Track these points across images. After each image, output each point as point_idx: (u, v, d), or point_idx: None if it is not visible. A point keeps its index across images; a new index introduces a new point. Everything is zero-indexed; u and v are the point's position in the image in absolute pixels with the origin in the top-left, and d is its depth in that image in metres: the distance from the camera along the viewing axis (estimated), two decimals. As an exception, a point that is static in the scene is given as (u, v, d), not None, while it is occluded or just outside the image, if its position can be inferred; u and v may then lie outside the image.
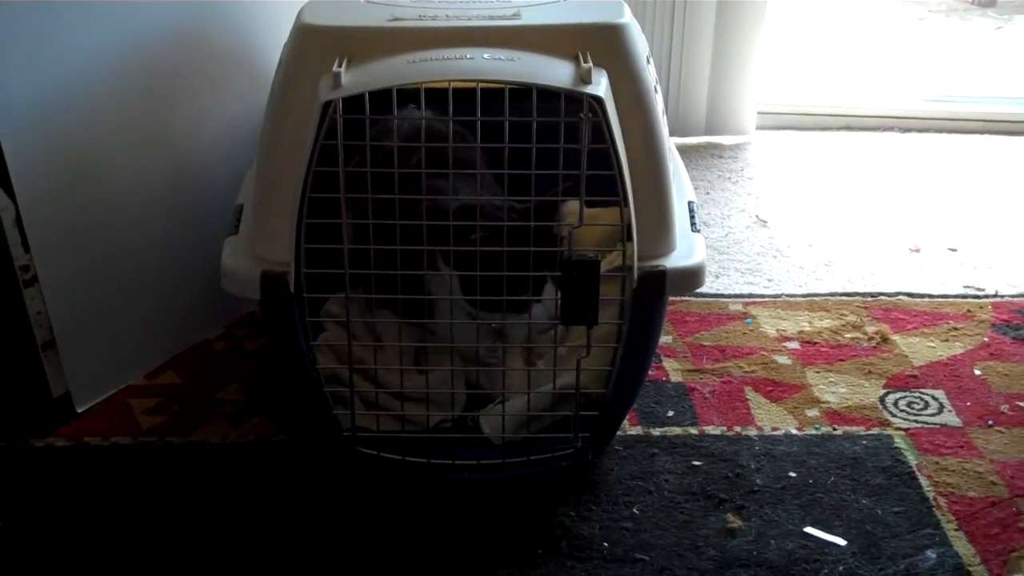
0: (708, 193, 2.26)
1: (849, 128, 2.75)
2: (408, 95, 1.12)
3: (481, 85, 1.10)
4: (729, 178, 2.36)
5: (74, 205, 1.42)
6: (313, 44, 1.20)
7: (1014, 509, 1.28)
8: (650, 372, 1.49)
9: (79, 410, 1.45)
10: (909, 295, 1.81)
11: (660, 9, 2.48)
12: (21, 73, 1.34)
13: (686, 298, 1.76)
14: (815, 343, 1.65)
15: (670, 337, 1.65)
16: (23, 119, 1.34)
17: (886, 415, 1.46)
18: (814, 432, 1.42)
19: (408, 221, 1.15)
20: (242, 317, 1.69)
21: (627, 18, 1.24)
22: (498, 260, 1.16)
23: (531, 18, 1.24)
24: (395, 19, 1.22)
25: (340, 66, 1.12)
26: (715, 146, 2.57)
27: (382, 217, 1.14)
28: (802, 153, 2.56)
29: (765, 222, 2.13)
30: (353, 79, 1.11)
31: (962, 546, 1.21)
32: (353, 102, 1.09)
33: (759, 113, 2.65)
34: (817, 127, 2.74)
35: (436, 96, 1.12)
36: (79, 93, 1.42)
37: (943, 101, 2.91)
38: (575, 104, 1.10)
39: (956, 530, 1.24)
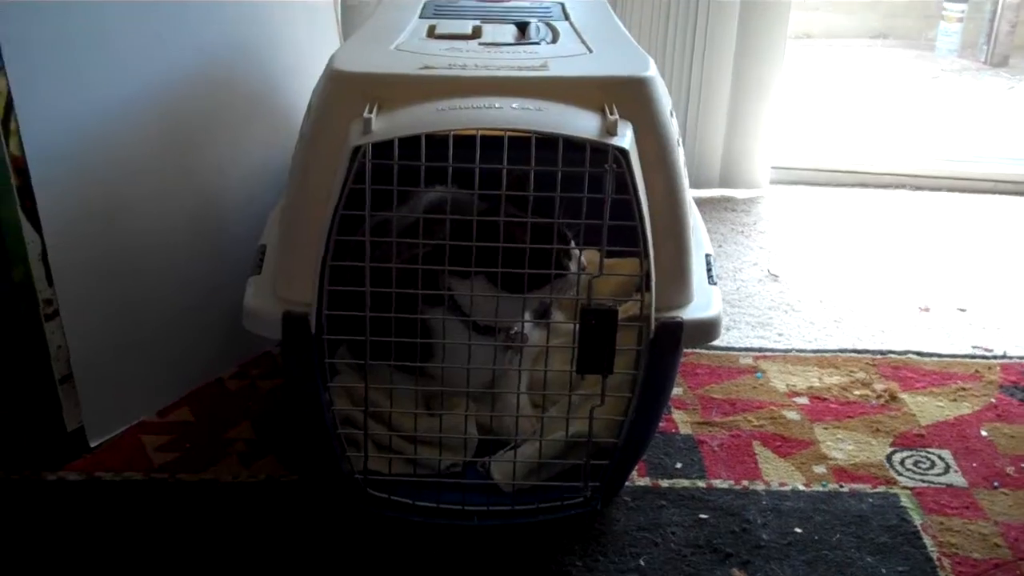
0: (721, 246, 2.28)
1: (861, 185, 2.77)
2: (435, 172, 1.14)
3: (508, 134, 1.12)
4: (742, 232, 2.38)
5: (99, 242, 1.44)
6: (344, 90, 1.21)
7: (1018, 572, 1.28)
8: (660, 423, 1.49)
9: (92, 445, 1.45)
10: (918, 354, 1.82)
11: (678, 63, 2.51)
12: (53, 111, 1.37)
13: (697, 350, 1.77)
14: (824, 399, 1.65)
15: (680, 389, 1.66)
16: (53, 156, 1.36)
17: (893, 473, 1.47)
18: (821, 489, 1.43)
19: (413, 265, 1.18)
20: (257, 356, 1.70)
21: (652, 72, 1.25)
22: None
23: (559, 70, 1.25)
24: (425, 67, 1.24)
25: (371, 112, 1.14)
26: (729, 199, 2.60)
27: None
28: (814, 208, 2.58)
29: (776, 276, 2.14)
30: (383, 125, 1.13)
31: (968, 608, 1.22)
32: (383, 148, 1.11)
33: (773, 168, 2.68)
34: (830, 183, 2.77)
35: (463, 142, 1.13)
36: (107, 132, 1.44)
37: (955, 160, 2.94)
38: (600, 155, 1.12)
39: (961, 592, 1.24)
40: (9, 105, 1.29)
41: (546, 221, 1.17)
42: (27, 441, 1.44)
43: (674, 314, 1.22)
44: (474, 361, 1.25)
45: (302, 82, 1.48)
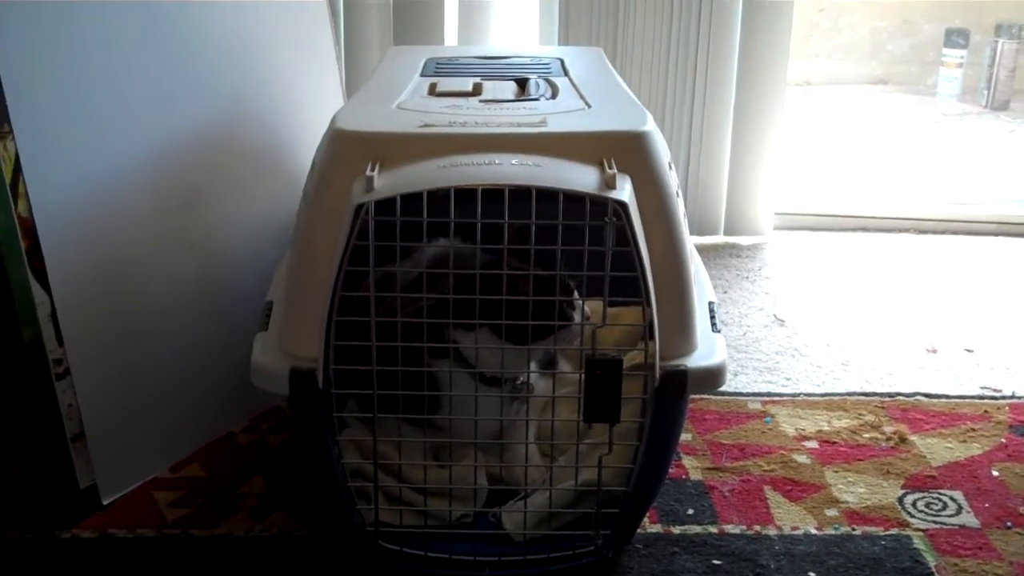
0: (726, 292, 2.29)
1: (865, 229, 2.78)
2: (439, 226, 1.16)
3: (508, 188, 1.14)
4: (747, 277, 2.39)
5: (107, 300, 1.46)
6: (347, 148, 1.24)
7: (1035, 613, 1.28)
8: (671, 470, 1.50)
9: (105, 502, 1.46)
10: (927, 395, 1.82)
11: (679, 113, 2.54)
12: (60, 173, 1.39)
13: (705, 396, 1.77)
14: (834, 442, 1.66)
15: (689, 435, 1.66)
16: (61, 217, 1.38)
17: (905, 515, 1.47)
18: (833, 532, 1.43)
19: (417, 319, 1.19)
20: (267, 411, 1.71)
21: (650, 126, 1.28)
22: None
23: (557, 125, 1.28)
24: (426, 125, 1.26)
25: (373, 170, 1.16)
26: (733, 246, 2.61)
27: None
28: (819, 253, 2.60)
29: (783, 321, 2.15)
30: (385, 183, 1.15)
31: (983, 650, 1.21)
32: (385, 204, 1.13)
33: (776, 214, 2.70)
34: (833, 228, 2.79)
35: (465, 195, 1.15)
36: (114, 193, 1.47)
37: (958, 203, 2.96)
38: (600, 208, 1.14)
39: (977, 633, 1.24)
40: (17, 168, 1.31)
41: (548, 273, 1.19)
42: (40, 500, 1.45)
43: (678, 362, 1.23)
44: (481, 412, 1.26)
45: (306, 140, 1.51)
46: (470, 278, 1.19)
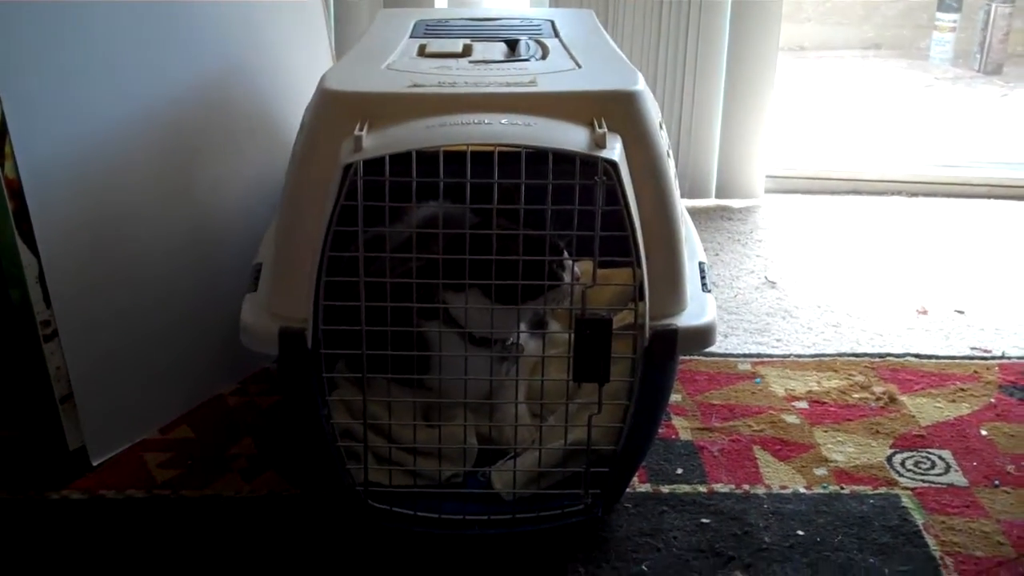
0: (718, 255, 2.29)
1: (857, 192, 2.79)
2: (429, 188, 1.15)
3: (499, 149, 1.13)
4: (739, 240, 2.40)
5: (96, 262, 1.45)
6: (335, 109, 1.23)
7: (1021, 569, 1.28)
8: (660, 430, 1.50)
9: (94, 463, 1.46)
10: (916, 356, 1.82)
11: (671, 77, 2.53)
12: (47, 135, 1.38)
13: (695, 357, 1.78)
14: (823, 403, 1.66)
15: (679, 396, 1.66)
16: (48, 178, 1.38)
17: (893, 475, 1.47)
18: (822, 491, 1.43)
19: (407, 279, 1.19)
20: (256, 373, 1.71)
21: (640, 86, 1.27)
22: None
23: (547, 85, 1.27)
24: (415, 85, 1.25)
25: (362, 130, 1.15)
26: (725, 209, 2.61)
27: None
28: (810, 216, 2.60)
29: (774, 283, 2.15)
30: (374, 142, 1.14)
31: (970, 606, 1.22)
32: (374, 164, 1.12)
33: (768, 177, 2.70)
34: (825, 191, 2.79)
35: (455, 158, 1.15)
36: (103, 154, 1.46)
37: (950, 167, 2.96)
38: (590, 167, 1.13)
39: (963, 590, 1.25)
40: (3, 129, 1.30)
41: (538, 233, 1.18)
42: (30, 461, 1.45)
43: (668, 322, 1.23)
44: (470, 372, 1.26)
45: (296, 101, 1.49)
46: (460, 239, 1.19)
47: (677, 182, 1.32)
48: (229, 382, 1.68)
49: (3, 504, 1.39)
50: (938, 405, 1.66)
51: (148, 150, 1.52)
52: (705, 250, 1.50)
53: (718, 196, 2.65)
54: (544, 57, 1.46)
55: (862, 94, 4.41)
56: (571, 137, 1.17)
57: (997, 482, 1.46)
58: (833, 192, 2.78)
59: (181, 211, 1.58)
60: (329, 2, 2.40)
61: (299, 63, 1.84)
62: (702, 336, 1.25)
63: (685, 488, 1.43)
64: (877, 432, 1.58)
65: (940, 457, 1.52)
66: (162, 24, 1.56)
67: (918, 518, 1.38)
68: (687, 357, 1.76)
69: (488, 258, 1.17)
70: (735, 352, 1.84)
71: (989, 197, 2.76)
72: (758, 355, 1.83)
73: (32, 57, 1.36)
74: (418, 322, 1.25)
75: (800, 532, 1.35)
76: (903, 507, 1.40)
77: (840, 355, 1.83)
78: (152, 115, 1.53)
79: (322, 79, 1.29)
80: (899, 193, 2.78)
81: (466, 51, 1.48)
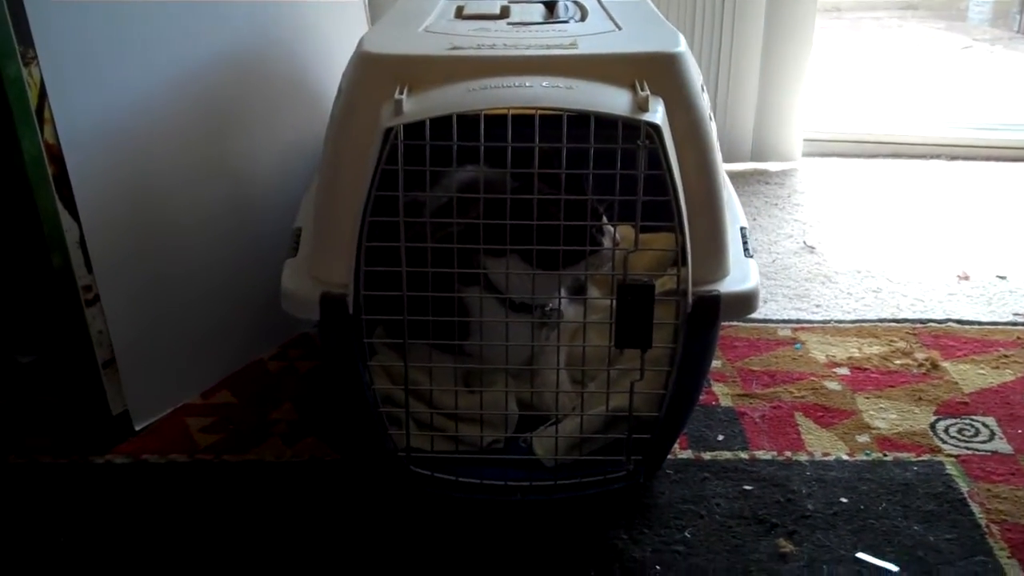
0: (755, 219, 2.27)
1: (896, 156, 2.75)
2: (468, 152, 1.14)
3: (540, 112, 1.12)
4: (776, 204, 2.37)
5: (136, 227, 1.46)
6: (374, 72, 1.22)
7: (1068, 538, 1.27)
8: (701, 396, 1.49)
9: (137, 428, 1.47)
10: (959, 322, 1.80)
11: (708, 39, 2.51)
12: (86, 99, 1.38)
13: (735, 323, 1.77)
14: (865, 369, 1.65)
15: (720, 362, 1.65)
16: (88, 143, 1.37)
17: (937, 442, 1.46)
18: (865, 458, 1.42)
19: (447, 244, 1.18)
20: (295, 338, 1.72)
21: (682, 47, 1.25)
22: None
23: (588, 47, 1.25)
24: (454, 48, 1.24)
25: (401, 94, 1.14)
26: (762, 172, 2.59)
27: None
28: (848, 180, 2.57)
29: (812, 248, 2.13)
30: (414, 106, 1.13)
31: (1016, 574, 1.21)
32: (414, 129, 1.11)
33: (805, 140, 2.67)
34: (863, 154, 2.76)
35: (495, 121, 1.13)
36: (141, 119, 1.46)
37: (990, 129, 2.91)
38: (632, 131, 1.12)
39: (1009, 557, 1.23)
40: (43, 94, 1.30)
41: (578, 198, 1.17)
42: (74, 426, 1.46)
43: (711, 287, 1.22)
44: (511, 338, 1.25)
45: (331, 66, 1.49)
46: (499, 204, 1.18)
47: (718, 146, 1.30)
48: (269, 347, 1.69)
49: (48, 468, 1.40)
50: (981, 372, 1.64)
51: (186, 116, 1.52)
52: (744, 215, 1.48)
53: (755, 159, 2.63)
54: (583, 19, 1.45)
55: (900, 56, 4.35)
56: (614, 100, 1.15)
57: (1042, 449, 1.44)
58: (871, 155, 2.75)
59: (219, 176, 1.58)
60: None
61: (334, 26, 1.82)
62: (745, 302, 1.24)
63: (727, 455, 1.43)
64: (920, 399, 1.56)
65: (984, 424, 1.50)
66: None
67: (963, 486, 1.37)
68: (727, 324, 1.75)
69: (528, 223, 1.16)
70: (775, 318, 1.82)
71: (1031, 160, 2.72)
72: (798, 321, 1.81)
73: (70, 23, 1.36)
74: (458, 288, 1.24)
75: (843, 499, 1.34)
76: (947, 474, 1.39)
77: (881, 321, 1.81)
78: (189, 80, 1.52)
79: (360, 42, 1.27)
80: (939, 156, 2.74)
81: (504, 13, 1.46)
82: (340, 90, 1.31)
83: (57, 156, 1.33)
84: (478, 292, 1.27)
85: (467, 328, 1.28)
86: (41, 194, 1.32)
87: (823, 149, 2.75)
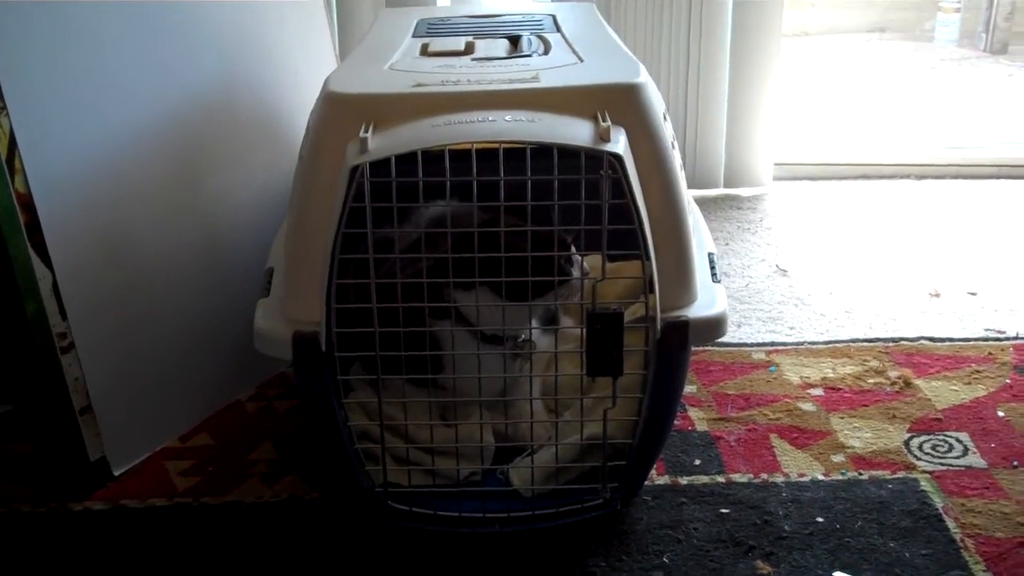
0: (728, 244, 2.29)
1: (865, 177, 2.78)
2: (435, 189, 1.16)
3: (504, 146, 1.13)
4: (748, 229, 2.39)
5: (109, 273, 1.46)
6: (340, 111, 1.23)
7: (1042, 549, 1.29)
8: (676, 421, 1.51)
9: (116, 473, 1.47)
10: (931, 339, 1.82)
11: (675, 67, 2.53)
12: (56, 148, 1.39)
13: (709, 348, 1.78)
14: (839, 389, 1.66)
15: (694, 387, 1.67)
16: (59, 191, 1.38)
17: (911, 459, 1.47)
18: (840, 477, 1.43)
19: (417, 279, 1.19)
20: (273, 378, 1.72)
21: (643, 78, 1.27)
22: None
23: (549, 80, 1.27)
24: (418, 85, 1.26)
25: (367, 131, 1.16)
26: (733, 198, 2.61)
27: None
28: (819, 203, 2.60)
29: (785, 271, 2.15)
30: (380, 144, 1.15)
31: (991, 587, 1.22)
32: (380, 166, 1.12)
33: (776, 165, 2.70)
34: (833, 177, 2.78)
35: (460, 156, 1.15)
36: (112, 165, 1.47)
37: (958, 148, 2.95)
38: (595, 162, 1.14)
39: (984, 571, 1.24)
40: (12, 144, 1.31)
41: (545, 229, 1.18)
42: (52, 473, 1.46)
43: (679, 313, 1.23)
44: (484, 370, 1.26)
45: (301, 104, 1.50)
46: (468, 237, 1.19)
47: (683, 173, 1.32)
48: (247, 387, 1.69)
49: (27, 516, 1.40)
50: (954, 388, 1.66)
51: (156, 159, 1.53)
52: (715, 240, 1.50)
53: (726, 185, 2.65)
54: (546, 52, 1.47)
55: (868, 78, 4.40)
56: (575, 132, 1.17)
57: (1015, 463, 1.46)
58: (841, 177, 2.78)
59: (191, 219, 1.59)
60: (331, 3, 2.40)
61: (303, 65, 1.84)
62: (714, 327, 1.25)
63: (703, 479, 1.44)
64: (894, 417, 1.58)
65: (958, 440, 1.52)
66: (166, 33, 1.56)
67: (937, 501, 1.38)
68: (701, 348, 1.76)
69: (496, 255, 1.18)
70: (749, 341, 1.84)
71: (998, 177, 2.75)
72: (772, 343, 1.83)
73: (39, 71, 1.37)
74: (429, 322, 1.25)
75: (819, 519, 1.35)
76: (922, 491, 1.40)
77: (854, 341, 1.83)
78: (159, 124, 1.53)
79: (326, 82, 1.29)
80: (908, 176, 2.77)
81: (468, 49, 1.48)
82: (308, 129, 1.32)
83: (28, 205, 1.33)
84: (449, 325, 1.28)
85: (440, 362, 1.29)
86: (13, 243, 1.33)
87: (793, 173, 2.77)
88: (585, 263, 1.27)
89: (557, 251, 1.21)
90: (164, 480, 1.47)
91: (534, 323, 1.33)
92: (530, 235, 1.17)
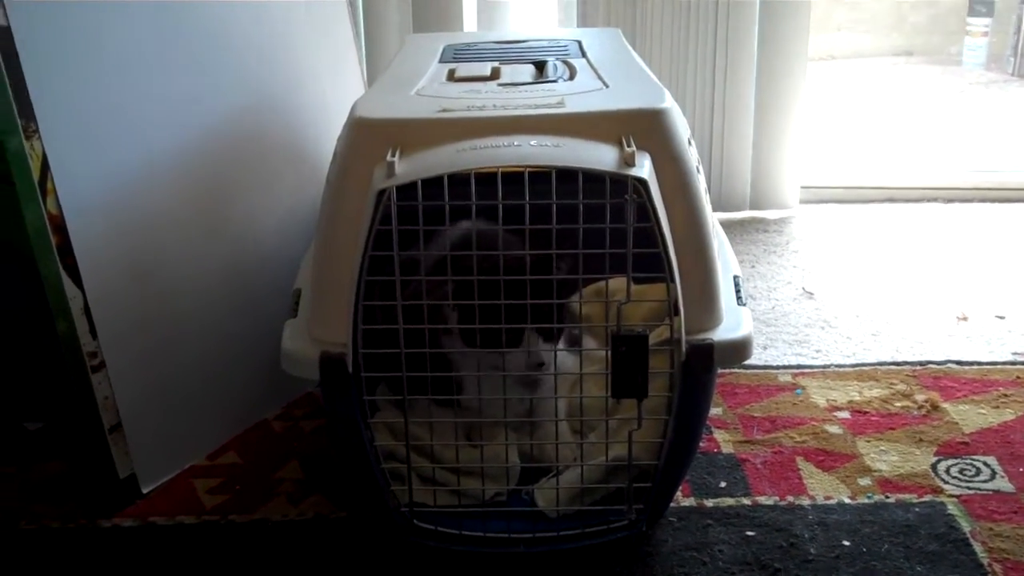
0: (754, 267, 2.29)
1: (892, 200, 2.77)
2: (460, 210, 1.17)
3: (528, 170, 1.14)
4: (774, 251, 2.39)
5: (139, 293, 1.48)
6: (367, 136, 1.25)
7: (1070, 575, 1.28)
8: (702, 444, 1.51)
9: (144, 491, 1.48)
10: (958, 363, 1.81)
11: (701, 90, 2.54)
12: (88, 170, 1.41)
13: (735, 370, 1.78)
14: (865, 412, 1.66)
15: (720, 409, 1.67)
16: (90, 212, 1.40)
17: (938, 482, 1.47)
18: (867, 501, 1.43)
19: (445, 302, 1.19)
20: (299, 398, 1.74)
21: (668, 103, 1.28)
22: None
23: (575, 106, 1.28)
24: (444, 110, 1.27)
25: (393, 156, 1.17)
26: (759, 220, 2.61)
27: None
28: (846, 226, 2.59)
29: (811, 294, 2.15)
30: (406, 168, 1.16)
31: (1019, 612, 1.21)
32: (407, 190, 1.14)
33: (802, 187, 2.70)
34: (860, 200, 2.78)
35: (485, 180, 1.16)
36: (143, 187, 1.49)
37: (986, 171, 2.94)
38: (620, 186, 1.14)
39: (1012, 596, 1.24)
40: (45, 166, 1.34)
41: (544, 252, 1.19)
42: (81, 491, 1.48)
43: (705, 336, 1.24)
44: (503, 392, 1.27)
45: (329, 130, 1.52)
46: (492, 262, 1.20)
47: (708, 197, 1.33)
48: (274, 407, 1.70)
49: (56, 533, 1.41)
50: (982, 411, 1.65)
51: (186, 184, 1.55)
52: (741, 262, 1.50)
53: (752, 208, 2.65)
54: (572, 78, 1.48)
55: (895, 101, 4.39)
56: (600, 156, 1.18)
57: (1044, 487, 1.45)
58: (868, 201, 2.77)
59: (220, 241, 1.61)
60: (359, 30, 2.43)
61: (331, 91, 1.87)
62: (739, 349, 1.26)
63: (729, 501, 1.44)
64: (920, 440, 1.57)
65: (985, 464, 1.51)
66: (196, 60, 1.59)
67: (965, 525, 1.37)
68: (726, 371, 1.76)
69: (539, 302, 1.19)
70: (775, 364, 1.84)
71: (1026, 201, 2.75)
72: (798, 366, 1.83)
73: (70, 96, 1.39)
74: (447, 343, 1.26)
75: (846, 542, 1.34)
76: (949, 514, 1.39)
77: (881, 364, 1.82)
78: (189, 150, 1.56)
79: (353, 107, 1.31)
80: (935, 200, 2.76)
81: (494, 74, 1.49)
82: (335, 154, 1.34)
83: (60, 226, 1.36)
84: (459, 346, 1.29)
85: (461, 382, 1.29)
86: (45, 264, 1.35)
87: (820, 196, 2.77)
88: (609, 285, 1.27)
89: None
90: (192, 498, 1.48)
91: (560, 344, 1.34)
92: (555, 258, 1.18)
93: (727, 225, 1.47)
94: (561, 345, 1.35)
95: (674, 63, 2.53)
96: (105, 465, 1.44)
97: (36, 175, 1.33)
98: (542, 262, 1.20)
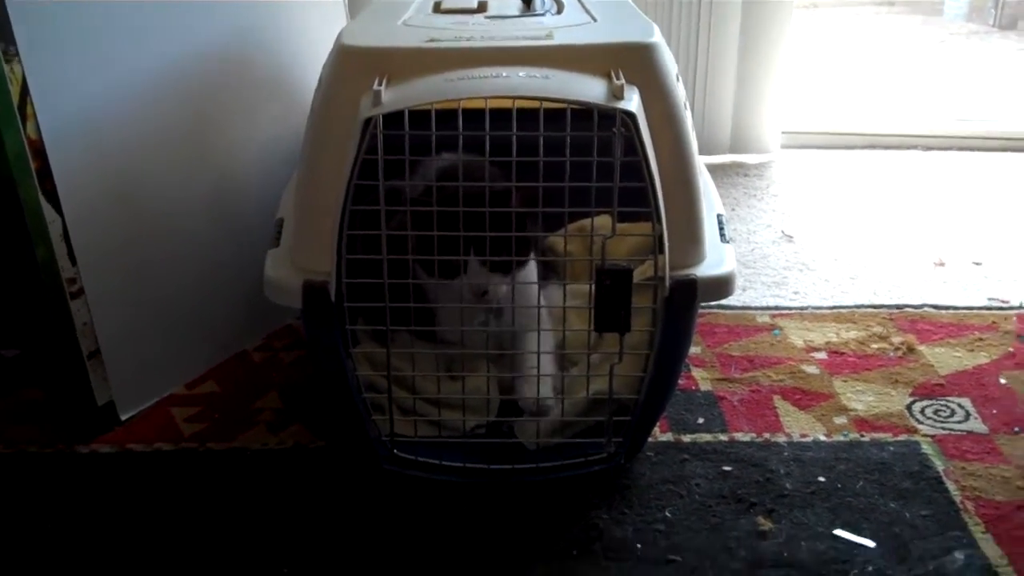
0: (734, 210, 2.29)
1: (872, 147, 2.78)
2: (444, 142, 1.16)
3: (517, 103, 1.13)
4: (754, 195, 2.40)
5: (118, 220, 1.47)
6: (354, 64, 1.23)
7: (1041, 513, 1.30)
8: (680, 381, 1.51)
9: (123, 418, 1.49)
10: (934, 307, 1.83)
11: (685, 33, 2.53)
12: (68, 95, 1.39)
13: (715, 310, 1.79)
14: (842, 353, 1.67)
15: (699, 348, 1.68)
16: (70, 136, 1.39)
17: (913, 422, 1.48)
18: (842, 439, 1.45)
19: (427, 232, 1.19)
20: (279, 329, 1.73)
21: (657, 38, 1.27)
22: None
23: (564, 38, 1.27)
24: (432, 40, 1.26)
25: (380, 85, 1.16)
26: (740, 165, 2.62)
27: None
28: (826, 171, 2.60)
29: (791, 237, 2.16)
30: (393, 97, 1.15)
31: (989, 548, 1.23)
32: (393, 119, 1.13)
33: (783, 133, 2.70)
34: (841, 146, 2.79)
35: (472, 115, 1.15)
36: (124, 113, 1.47)
37: (965, 121, 2.95)
38: (608, 120, 1.14)
39: (983, 533, 1.26)
40: (24, 90, 1.31)
41: (528, 184, 1.18)
42: (60, 416, 1.47)
43: (688, 272, 1.24)
44: (472, 323, 1.27)
45: (311, 60, 1.50)
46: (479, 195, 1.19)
47: (695, 135, 1.32)
48: (254, 338, 1.70)
49: (34, 458, 1.41)
50: (957, 354, 1.67)
51: (168, 110, 1.53)
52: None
53: (733, 152, 2.66)
54: (559, 12, 1.46)
55: (877, 50, 4.39)
56: (589, 89, 1.17)
57: (1017, 429, 1.47)
58: (849, 147, 2.78)
59: (202, 168, 1.60)
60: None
61: (314, 20, 1.84)
62: (721, 286, 1.26)
63: (706, 437, 1.45)
64: (896, 381, 1.59)
65: (959, 405, 1.53)
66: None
67: (938, 464, 1.39)
68: (706, 310, 1.77)
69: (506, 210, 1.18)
70: (753, 305, 1.85)
71: (1005, 150, 2.76)
72: (776, 307, 1.84)
73: (50, 20, 1.37)
74: (423, 275, 1.26)
75: (821, 478, 1.36)
76: (923, 454, 1.41)
77: (858, 307, 1.84)
78: (171, 75, 1.54)
79: (340, 35, 1.29)
80: (915, 147, 2.77)
81: (481, 7, 1.48)
82: (320, 82, 1.32)
83: (40, 151, 1.34)
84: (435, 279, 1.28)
85: (436, 315, 1.29)
86: (24, 188, 1.33)
87: (801, 141, 2.78)
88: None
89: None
90: (170, 426, 1.48)
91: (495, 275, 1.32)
92: (541, 191, 1.17)
93: (708, 168, 1.47)
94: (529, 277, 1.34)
95: (659, 6, 2.51)
96: (83, 392, 1.44)
97: (16, 99, 1.31)
98: (498, 194, 1.19)
